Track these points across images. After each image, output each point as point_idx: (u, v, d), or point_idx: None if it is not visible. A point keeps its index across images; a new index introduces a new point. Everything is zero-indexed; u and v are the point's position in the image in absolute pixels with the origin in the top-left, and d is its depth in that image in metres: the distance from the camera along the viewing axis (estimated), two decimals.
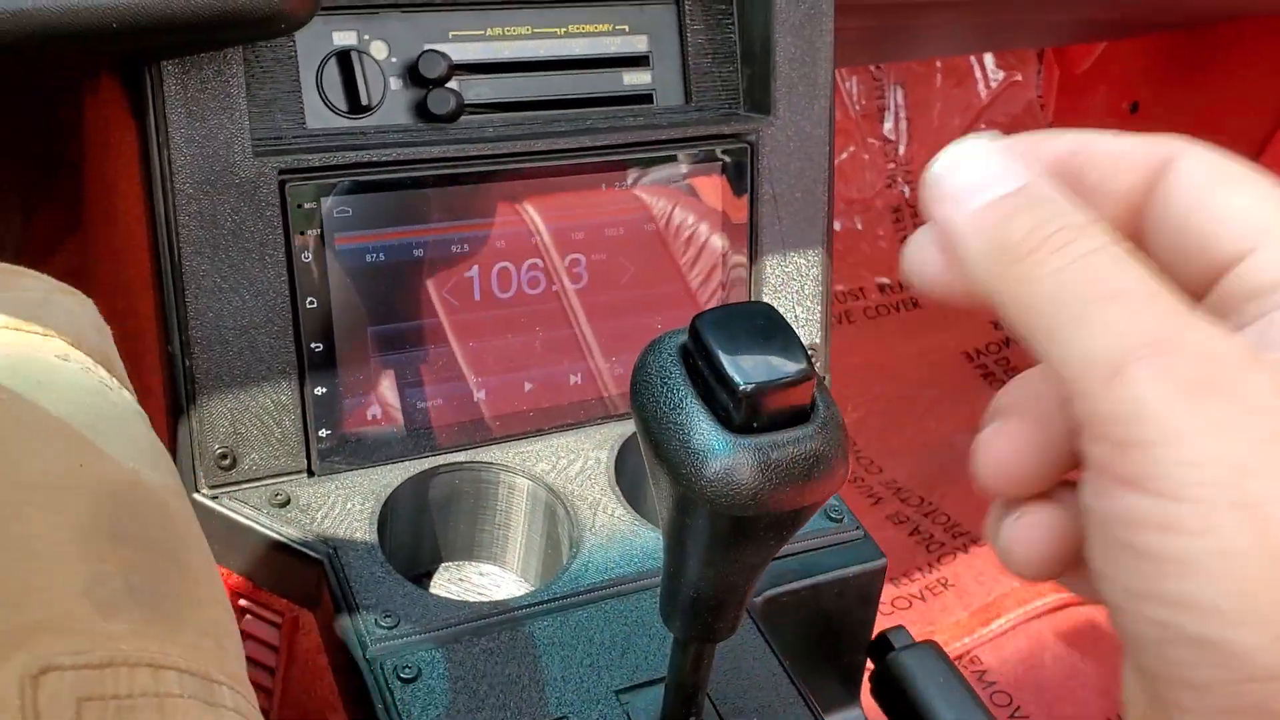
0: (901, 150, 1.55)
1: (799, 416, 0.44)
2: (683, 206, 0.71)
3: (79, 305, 0.41)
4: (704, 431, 0.43)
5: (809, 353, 0.44)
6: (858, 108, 1.51)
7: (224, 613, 0.38)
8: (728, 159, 0.71)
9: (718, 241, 0.72)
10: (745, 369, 0.44)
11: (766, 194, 0.72)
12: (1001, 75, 1.56)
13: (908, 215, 1.56)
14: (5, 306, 0.37)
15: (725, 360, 0.44)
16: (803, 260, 0.74)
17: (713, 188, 0.71)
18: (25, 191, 0.82)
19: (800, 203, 0.73)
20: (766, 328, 0.46)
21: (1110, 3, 1.19)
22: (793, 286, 0.74)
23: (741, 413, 0.44)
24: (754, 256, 0.73)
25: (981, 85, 1.56)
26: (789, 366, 0.45)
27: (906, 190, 1.56)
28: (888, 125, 1.54)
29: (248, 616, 0.66)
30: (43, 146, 0.75)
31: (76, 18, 0.44)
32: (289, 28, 0.51)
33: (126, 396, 0.40)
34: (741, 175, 0.71)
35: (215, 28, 0.49)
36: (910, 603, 1.19)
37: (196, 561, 0.38)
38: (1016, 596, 1.17)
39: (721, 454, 0.43)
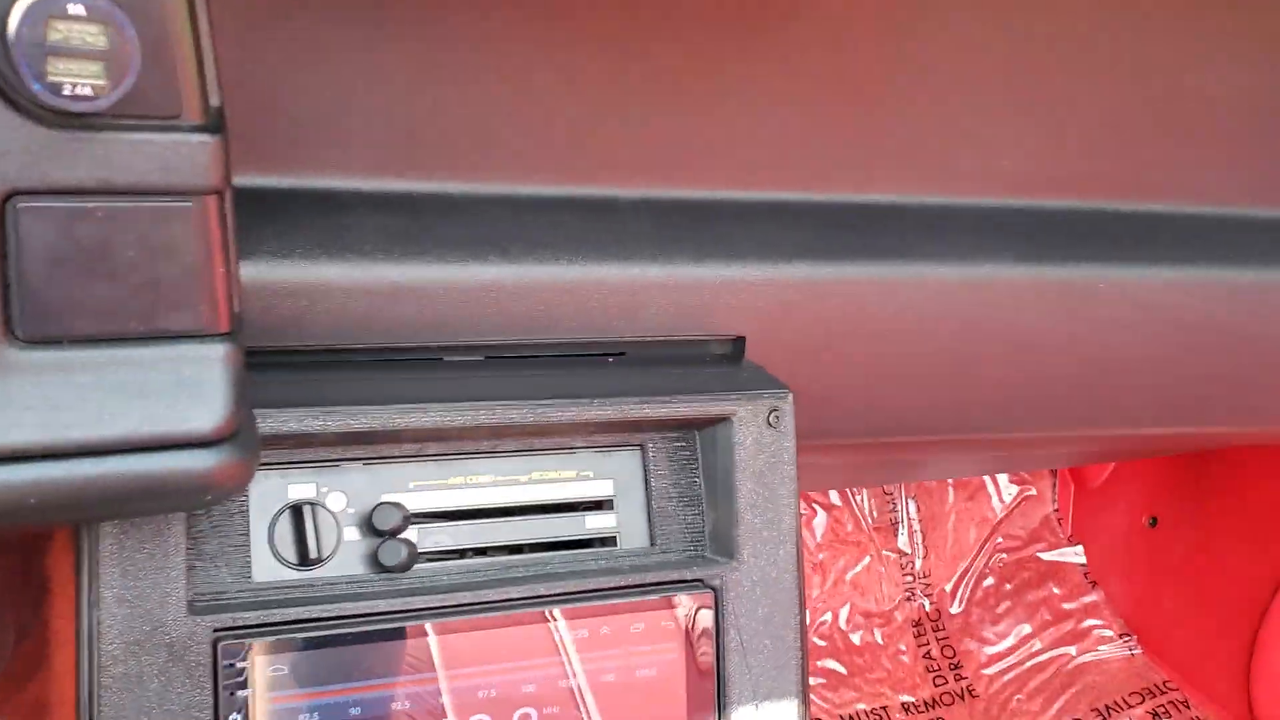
0: (918, 564, 1.53)
1: None
2: (646, 655, 0.68)
3: None
4: None
5: None
6: (870, 520, 1.50)
7: None
8: (692, 604, 0.69)
9: (682, 692, 0.68)
10: None
11: (734, 641, 0.69)
12: (1015, 490, 1.56)
13: (929, 629, 1.51)
14: None
15: None
16: (775, 710, 0.70)
17: (677, 633, 0.68)
18: (20, 614, 0.82)
19: (770, 650, 0.70)
20: None
21: (1121, 438, 1.20)
22: None
23: None
24: (721, 709, 0.69)
25: (995, 499, 1.55)
26: None
27: (926, 604, 1.52)
28: (902, 539, 1.52)
29: None
30: (29, 582, 0.76)
31: None
32: (218, 498, 0.52)
33: None
34: (706, 621, 0.69)
35: (138, 500, 0.49)
36: None
37: None
38: None
39: None
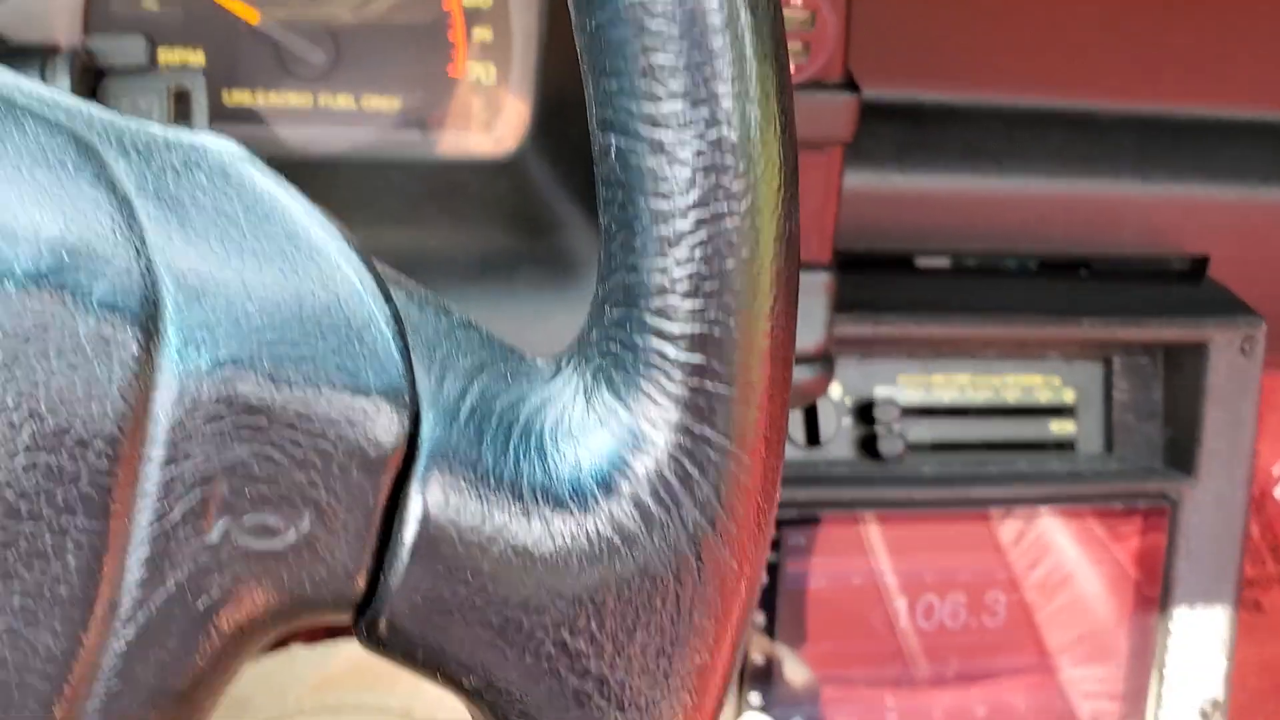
0: None
1: None
2: (1102, 555, 0.74)
3: None
4: None
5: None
6: None
7: None
8: (1146, 515, 0.74)
9: (1129, 592, 0.74)
10: None
11: (1181, 551, 0.74)
12: None
13: (1252, 512, 1.51)
14: None
15: None
16: (1211, 618, 0.76)
17: (1128, 541, 0.74)
18: None
19: (1212, 561, 0.75)
20: None
21: None
22: (1199, 646, 0.75)
23: None
24: (1163, 610, 0.75)
25: None
26: None
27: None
28: None
29: None
30: None
31: None
32: (805, 405, 0.59)
33: None
34: (1159, 531, 0.74)
35: None
36: None
37: None
38: None
39: None
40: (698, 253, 0.22)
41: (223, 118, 0.58)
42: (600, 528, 0.23)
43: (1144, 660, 0.75)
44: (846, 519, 0.70)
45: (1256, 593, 1.49)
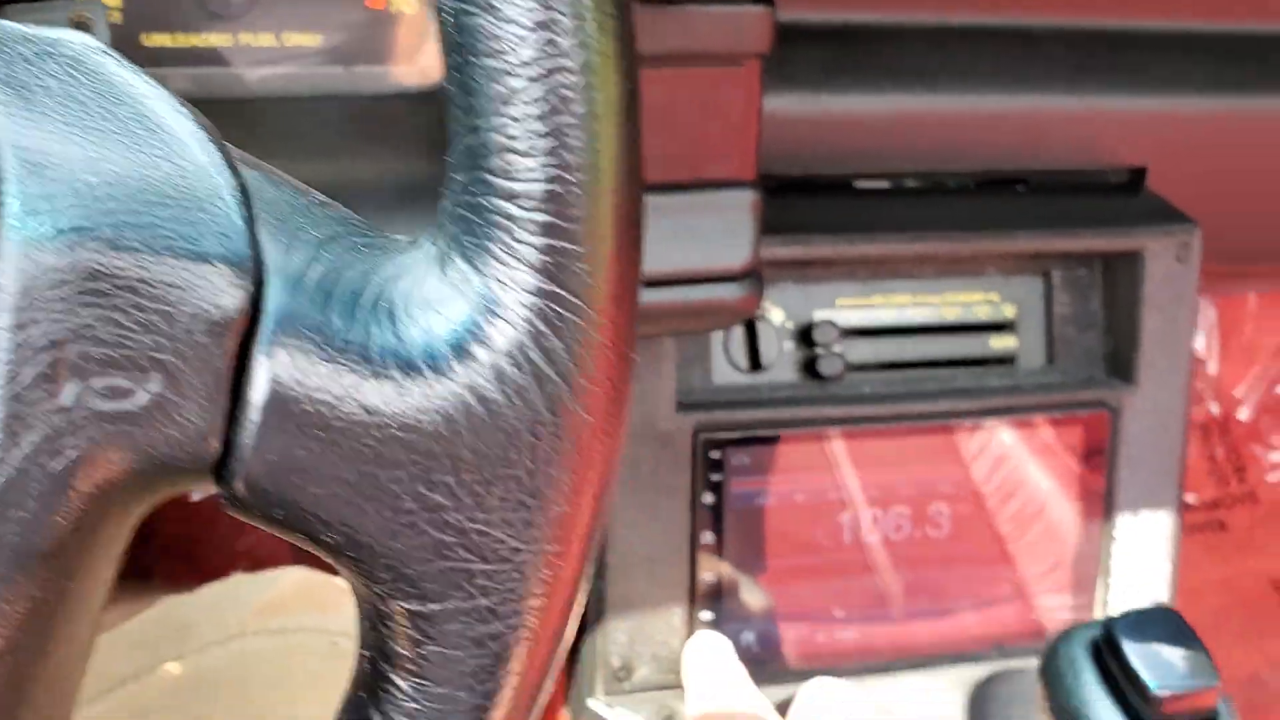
0: (1211, 368, 1.54)
1: None
2: (1040, 465, 0.75)
3: None
4: None
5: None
6: None
7: None
8: (1087, 423, 0.75)
9: (1072, 499, 0.76)
10: (1156, 673, 0.48)
11: (1123, 457, 0.76)
12: None
13: (1215, 433, 1.54)
14: None
15: (1137, 663, 0.49)
16: (1154, 522, 0.77)
17: (1070, 449, 0.75)
18: None
19: (1154, 466, 0.76)
20: (1175, 634, 0.50)
21: None
22: (1143, 549, 0.77)
23: (1151, 714, 0.48)
24: (1106, 515, 0.76)
25: None
26: (1198, 674, 0.49)
27: (1215, 408, 1.54)
28: (1199, 343, 1.54)
29: None
30: None
31: None
32: (734, 322, 0.60)
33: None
34: (1100, 439, 0.75)
35: (679, 322, 0.58)
36: None
37: None
38: None
39: None
40: (534, 109, 0.23)
41: (143, 60, 0.58)
42: (453, 388, 0.23)
43: (1092, 566, 0.77)
44: (789, 438, 0.71)
45: (1220, 513, 1.51)
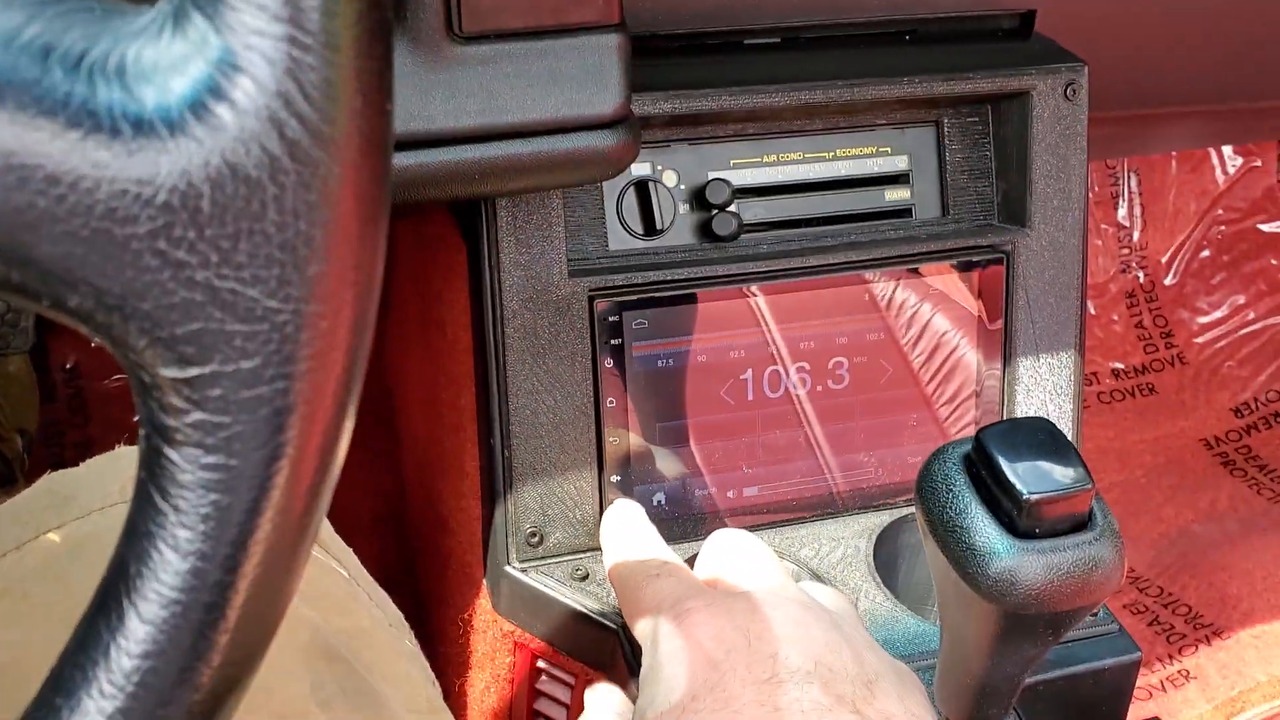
0: (1135, 236, 1.55)
1: (1077, 524, 0.49)
2: (940, 313, 0.76)
3: None
4: (988, 536, 0.48)
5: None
6: (1092, 194, 1.52)
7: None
8: (984, 269, 0.76)
9: (972, 345, 0.76)
10: (1028, 479, 0.49)
11: (1021, 300, 0.76)
12: (1240, 161, 1.54)
13: (1141, 300, 1.55)
14: None
15: (1009, 470, 0.49)
16: (1055, 362, 0.78)
17: (969, 296, 0.76)
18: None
19: (1053, 308, 0.77)
20: (1047, 441, 0.51)
21: None
22: (1045, 388, 0.78)
23: (1024, 519, 0.49)
24: (1008, 358, 0.77)
25: (1219, 171, 1.55)
26: (1069, 477, 0.50)
27: (1141, 275, 1.55)
28: (1121, 211, 1.54)
29: (544, 677, 0.74)
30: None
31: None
32: (612, 173, 0.60)
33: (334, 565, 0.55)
34: (997, 284, 0.76)
35: (555, 173, 0.58)
36: (1150, 694, 1.18)
37: (391, 682, 0.53)
38: (1263, 691, 1.14)
39: (1004, 556, 0.48)
40: None
41: None
42: (189, 143, 0.23)
43: (996, 410, 0.78)
44: (687, 300, 0.71)
45: (1150, 377, 1.53)
